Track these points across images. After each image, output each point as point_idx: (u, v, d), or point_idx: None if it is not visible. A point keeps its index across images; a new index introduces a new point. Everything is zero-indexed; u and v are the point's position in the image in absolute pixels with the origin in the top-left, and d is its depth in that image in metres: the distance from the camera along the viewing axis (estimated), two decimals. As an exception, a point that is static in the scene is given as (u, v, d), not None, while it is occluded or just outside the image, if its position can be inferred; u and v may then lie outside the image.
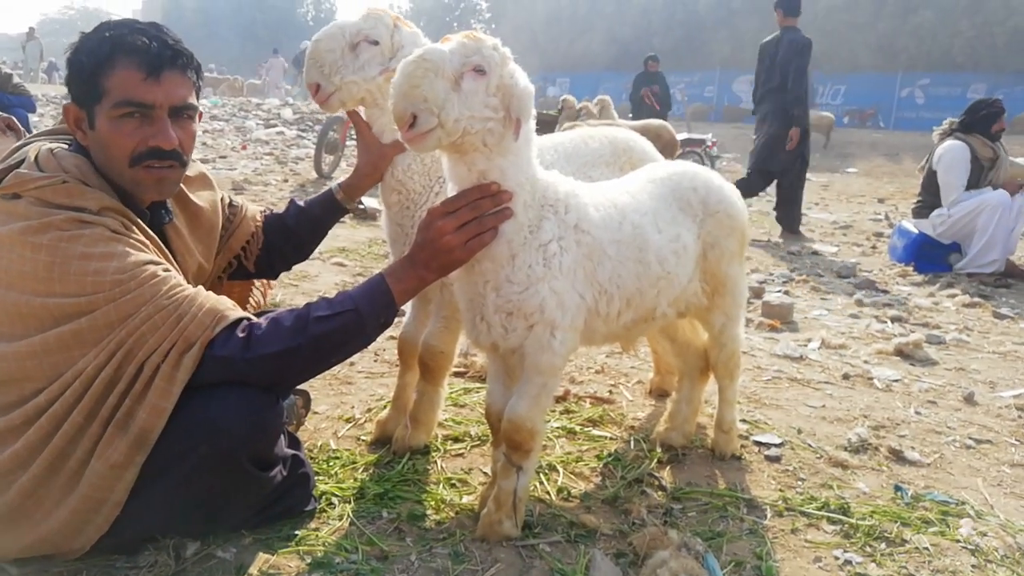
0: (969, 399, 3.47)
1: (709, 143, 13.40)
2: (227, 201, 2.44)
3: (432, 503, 2.29)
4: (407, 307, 2.64)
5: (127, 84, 1.83)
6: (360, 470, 2.50)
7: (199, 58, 2.01)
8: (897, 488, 2.54)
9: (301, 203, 2.58)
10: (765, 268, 6.85)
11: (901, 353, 4.16)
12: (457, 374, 3.41)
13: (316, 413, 2.96)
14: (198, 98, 2.01)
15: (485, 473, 2.49)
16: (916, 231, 6.98)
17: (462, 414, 3.00)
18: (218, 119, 17.00)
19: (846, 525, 2.28)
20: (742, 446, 2.77)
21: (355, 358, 3.39)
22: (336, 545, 2.03)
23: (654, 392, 3.32)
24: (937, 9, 32.74)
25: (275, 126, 16.48)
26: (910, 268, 6.81)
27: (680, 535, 2.07)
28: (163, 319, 1.76)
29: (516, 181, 1.89)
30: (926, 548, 2.17)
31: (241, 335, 1.83)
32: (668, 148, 8.77)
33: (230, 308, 1.88)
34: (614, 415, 3.05)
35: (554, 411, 3.03)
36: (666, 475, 2.56)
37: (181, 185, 2.10)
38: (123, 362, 1.75)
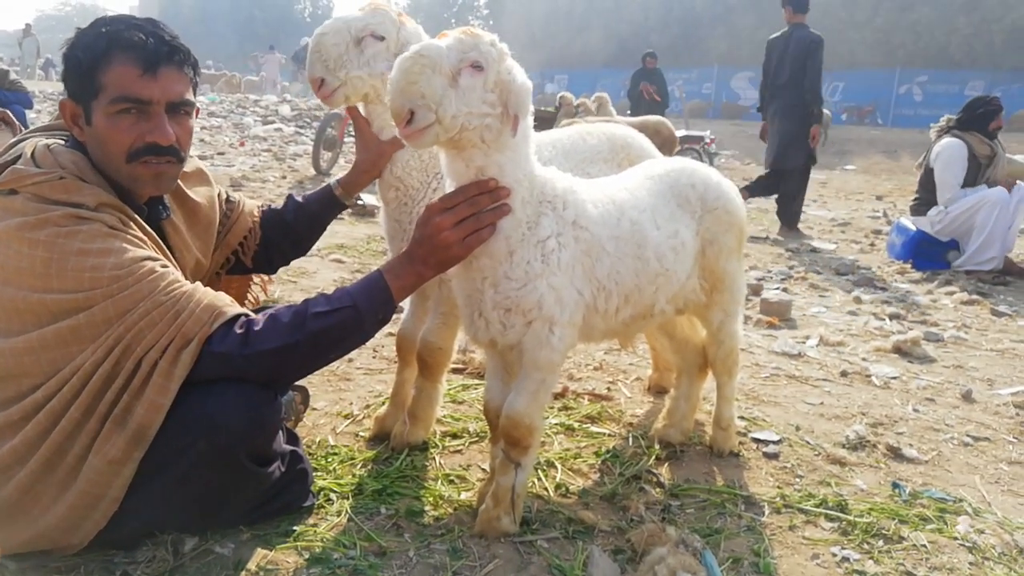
0: (967, 396, 3.48)
1: (707, 140, 13.40)
2: (224, 197, 2.44)
3: (430, 499, 2.29)
4: (405, 303, 2.63)
5: (124, 80, 1.83)
6: (358, 466, 2.50)
7: (196, 54, 2.00)
8: (895, 485, 2.54)
9: (299, 199, 2.57)
10: (763, 265, 6.86)
11: (899, 350, 4.17)
12: (455, 370, 3.41)
13: (314, 409, 2.96)
14: (195, 94, 2.00)
15: (483, 469, 2.49)
16: (914, 228, 6.99)
17: (460, 410, 3.00)
18: (216, 116, 16.96)
19: (844, 522, 2.28)
20: (740, 443, 2.77)
21: (354, 354, 3.39)
22: (334, 541, 2.03)
23: (652, 389, 3.32)
24: (935, 6, 32.78)
25: (273, 123, 16.46)
26: (908, 265, 6.82)
27: (678, 532, 2.07)
28: (161, 315, 1.76)
29: (514, 177, 1.88)
30: (923, 545, 2.17)
31: (239, 331, 1.83)
32: (666, 145, 8.75)
33: (228, 304, 1.88)
34: (612, 412, 3.05)
35: (552, 407, 3.03)
36: (664, 472, 2.56)
37: (178, 181, 2.10)
38: (121, 358, 1.75)
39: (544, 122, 10.66)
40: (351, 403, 3.05)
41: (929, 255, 6.80)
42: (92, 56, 1.83)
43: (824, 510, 2.34)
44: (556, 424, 2.88)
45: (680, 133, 11.72)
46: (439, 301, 2.53)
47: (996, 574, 2.08)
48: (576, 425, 2.89)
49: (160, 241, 2.00)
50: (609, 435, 2.83)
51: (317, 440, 2.68)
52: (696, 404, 2.81)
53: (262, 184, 9.22)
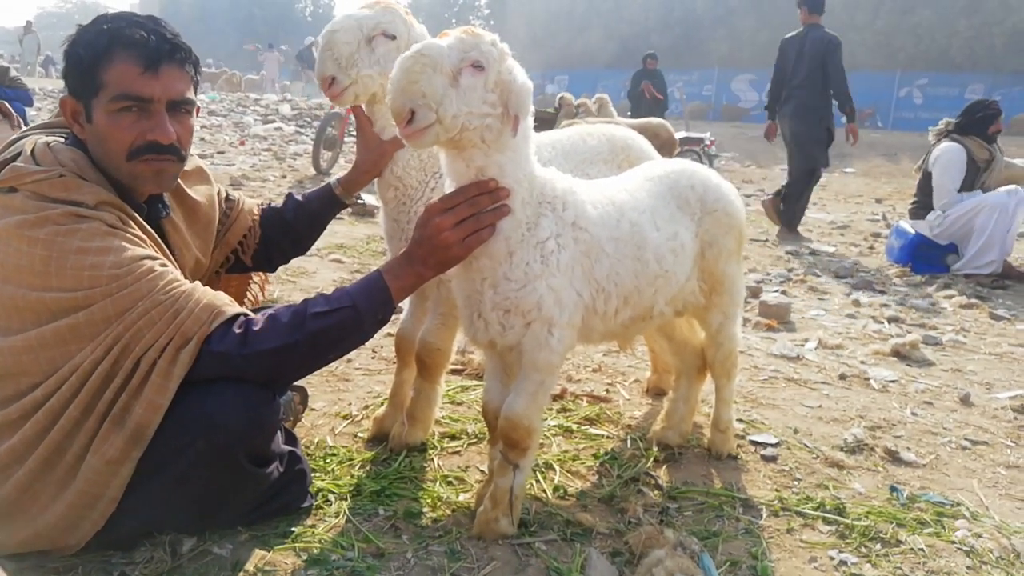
0: (965, 400, 3.48)
1: (707, 142, 13.42)
2: (224, 195, 2.44)
3: (428, 501, 2.29)
4: (404, 304, 2.63)
5: (125, 78, 1.82)
6: (357, 467, 2.50)
7: (197, 53, 2.00)
8: (893, 489, 2.54)
9: (299, 197, 2.57)
10: (763, 268, 6.85)
11: (898, 354, 4.17)
12: (454, 371, 3.41)
13: (313, 410, 2.96)
14: (196, 93, 2.00)
15: (482, 471, 2.49)
16: (913, 232, 6.98)
17: (459, 411, 3.00)
18: (216, 114, 16.96)
19: (842, 525, 2.28)
20: (738, 446, 2.77)
21: (352, 355, 3.39)
22: (332, 542, 2.03)
23: (651, 391, 3.32)
24: (935, 9, 32.78)
25: (273, 122, 16.46)
26: (907, 269, 6.82)
27: (676, 534, 2.07)
28: (160, 314, 1.76)
29: (514, 178, 1.88)
30: (921, 549, 2.17)
31: (238, 331, 1.82)
32: (666, 146, 8.76)
33: (227, 304, 1.87)
34: (611, 414, 3.05)
35: (551, 409, 3.03)
36: (662, 474, 2.56)
37: (178, 180, 2.10)
38: (120, 357, 1.74)
39: (544, 123, 10.66)
40: (350, 404, 3.04)
41: (928, 258, 6.80)
42: (93, 53, 1.82)
43: (822, 513, 2.34)
44: (555, 426, 2.88)
45: (680, 135, 11.75)
46: (438, 302, 2.53)
47: (994, 578, 2.08)
48: (574, 427, 2.89)
49: (160, 240, 1.99)
50: (607, 437, 2.83)
51: (315, 441, 2.67)
52: (695, 406, 2.81)
53: (262, 183, 9.22)
